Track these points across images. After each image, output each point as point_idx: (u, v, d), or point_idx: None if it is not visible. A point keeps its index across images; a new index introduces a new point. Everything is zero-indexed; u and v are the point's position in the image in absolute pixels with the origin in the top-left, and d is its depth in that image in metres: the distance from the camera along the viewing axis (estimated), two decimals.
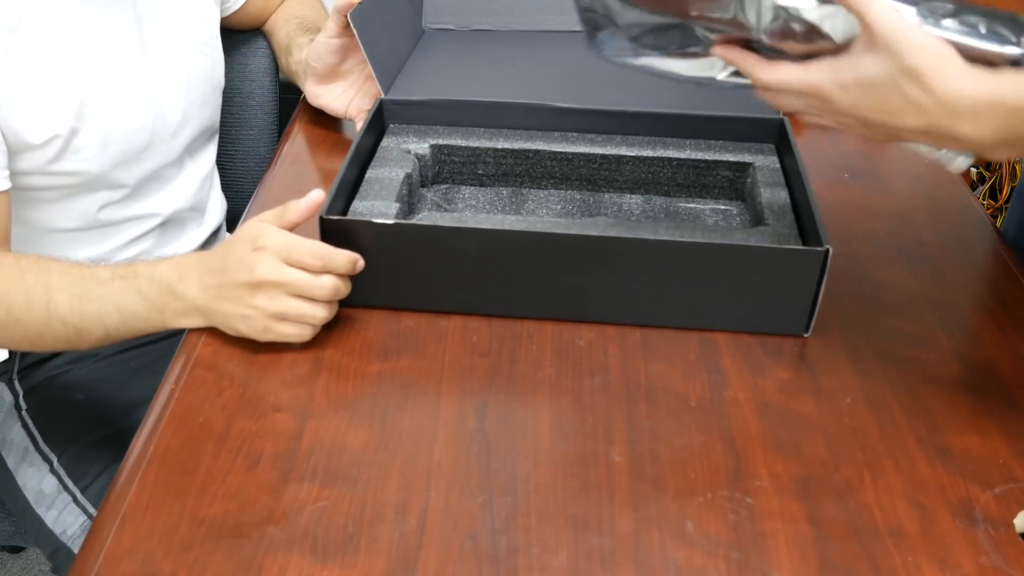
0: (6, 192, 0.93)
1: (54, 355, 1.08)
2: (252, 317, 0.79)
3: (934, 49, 0.61)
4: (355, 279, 0.81)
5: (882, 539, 0.66)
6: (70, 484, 1.00)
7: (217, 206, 1.22)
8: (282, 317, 0.79)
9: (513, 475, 0.70)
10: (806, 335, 0.83)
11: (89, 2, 0.96)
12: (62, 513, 0.99)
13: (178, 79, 1.07)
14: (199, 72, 1.11)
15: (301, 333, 0.80)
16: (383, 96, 1.02)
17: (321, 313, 0.79)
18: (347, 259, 0.79)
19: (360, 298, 0.85)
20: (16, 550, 1.60)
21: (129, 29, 1.01)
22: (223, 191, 1.26)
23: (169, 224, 1.13)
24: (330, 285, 0.78)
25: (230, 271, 0.79)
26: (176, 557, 0.64)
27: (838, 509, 0.68)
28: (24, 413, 1.05)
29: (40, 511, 1.00)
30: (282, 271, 0.77)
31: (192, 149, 1.13)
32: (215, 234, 1.22)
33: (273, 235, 0.79)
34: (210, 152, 1.18)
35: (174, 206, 1.12)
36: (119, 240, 1.08)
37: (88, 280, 0.85)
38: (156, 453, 0.71)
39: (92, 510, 0.98)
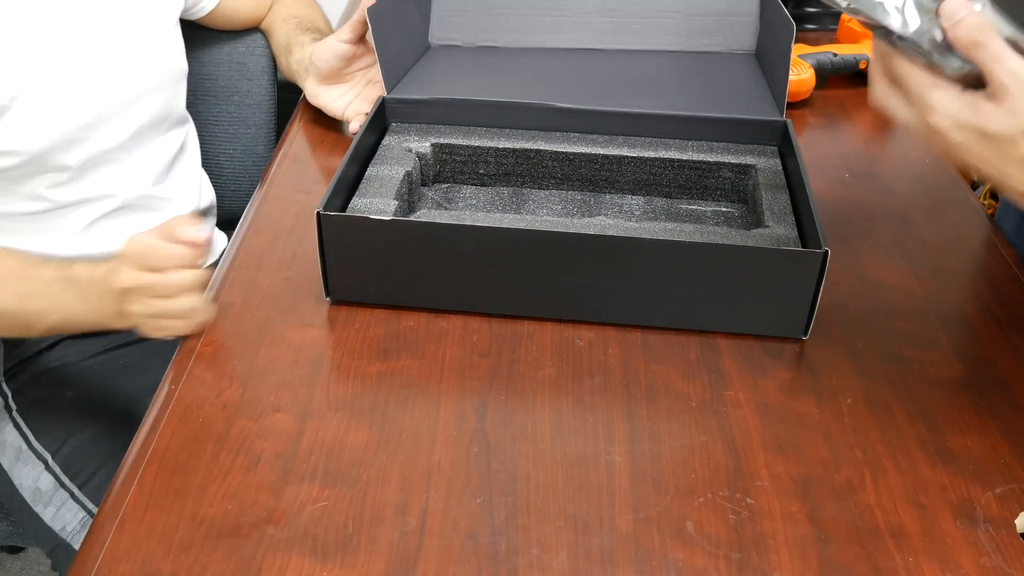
0: None
1: (40, 354, 1.08)
2: (137, 321, 0.83)
3: None
4: (353, 275, 0.81)
5: (883, 539, 0.66)
6: (67, 481, 1.00)
7: (191, 195, 1.19)
8: (158, 316, 0.83)
9: (513, 475, 0.70)
10: (804, 338, 0.83)
11: None
12: (60, 510, 0.99)
13: (125, 61, 1.05)
14: (151, 55, 1.09)
15: (185, 325, 0.83)
16: (386, 95, 1.02)
17: (187, 304, 0.82)
18: (190, 251, 0.81)
19: (358, 295, 0.85)
20: (15, 550, 1.60)
21: (73, 7, 1.00)
22: (220, 190, 1.26)
23: (130, 209, 1.11)
24: (184, 280, 0.81)
25: (105, 281, 0.84)
26: (175, 557, 0.64)
27: (839, 509, 0.68)
28: (15, 414, 1.05)
29: (38, 509, 1.00)
30: (138, 277, 0.81)
31: (144, 134, 1.11)
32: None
33: (131, 244, 0.82)
34: (172, 139, 1.16)
35: (132, 191, 1.10)
36: (75, 224, 1.07)
37: (31, 280, 0.91)
38: (155, 453, 0.71)
39: (91, 505, 0.98)
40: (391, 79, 1.05)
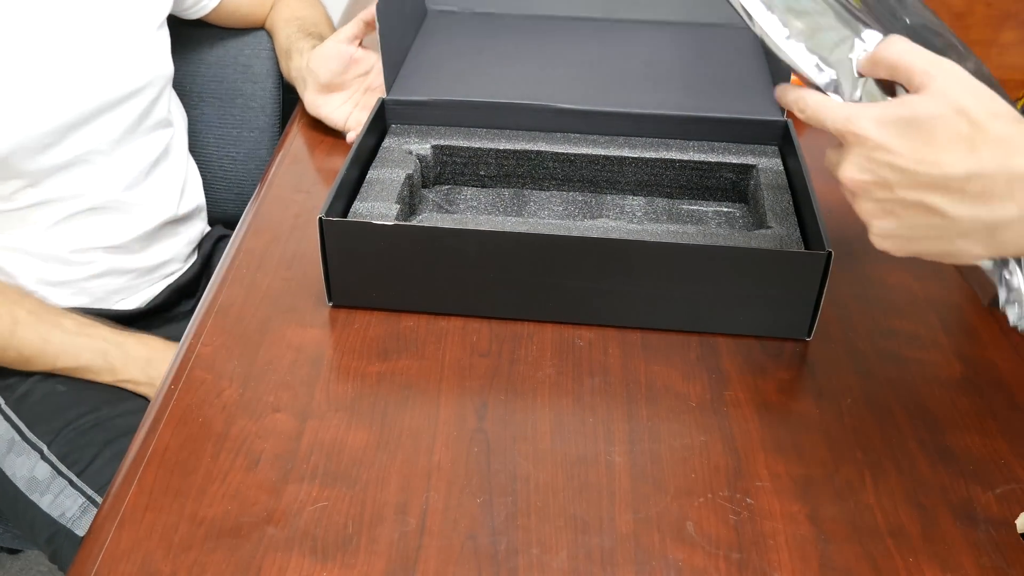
0: None
1: None
2: None
3: (985, 94, 0.58)
4: (355, 280, 0.81)
5: (883, 540, 0.66)
6: (64, 469, 1.00)
7: (170, 199, 1.19)
8: None
9: (513, 475, 0.70)
10: (808, 339, 0.83)
11: None
12: (58, 497, 0.99)
13: (98, 66, 1.05)
14: (129, 60, 1.08)
15: None
16: (385, 96, 1.02)
17: None
18: None
19: (360, 299, 0.85)
20: (15, 551, 1.60)
21: (44, 11, 0.99)
22: (224, 193, 1.26)
23: (100, 211, 1.11)
24: None
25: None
26: (175, 558, 0.64)
27: (839, 510, 0.68)
28: (4, 407, 1.05)
29: (34, 497, 1.00)
30: None
31: (120, 138, 1.10)
32: (178, 223, 1.20)
33: None
34: (152, 142, 1.15)
35: (103, 194, 1.10)
36: (40, 223, 1.07)
37: (52, 326, 0.98)
38: (155, 453, 0.71)
39: (91, 492, 0.98)
40: (391, 78, 1.05)
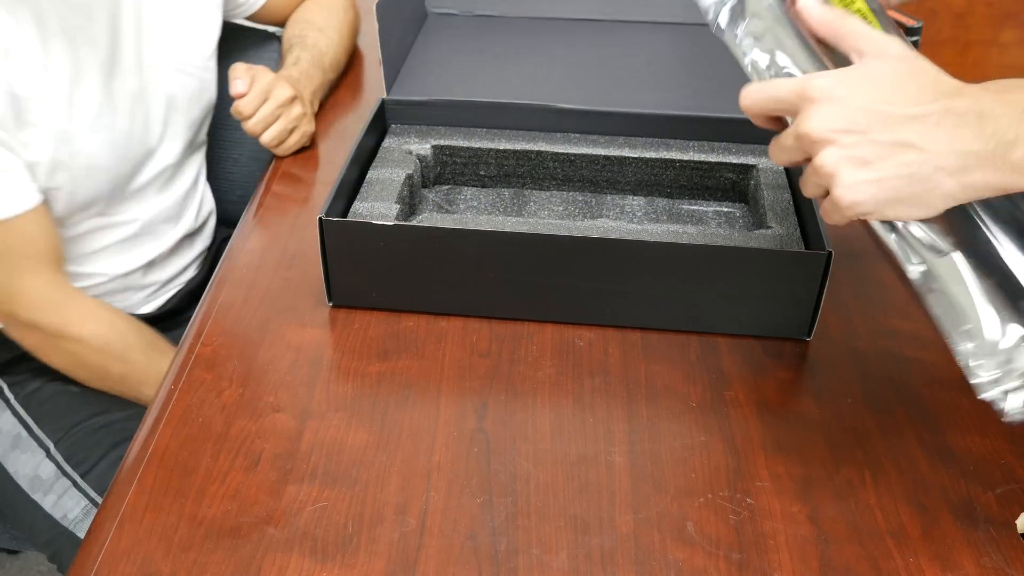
0: (40, 207, 0.95)
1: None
2: None
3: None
4: (355, 280, 0.81)
5: (883, 540, 0.66)
6: (69, 469, 1.00)
7: (197, 208, 1.20)
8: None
9: (513, 475, 0.70)
10: (808, 339, 0.83)
11: (64, 35, 0.95)
12: (61, 498, 0.99)
13: (158, 107, 1.07)
14: (185, 96, 1.10)
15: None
16: (385, 96, 1.02)
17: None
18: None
19: (360, 299, 0.85)
20: (15, 551, 1.60)
21: (102, 62, 1.00)
22: (226, 195, 1.27)
23: (145, 227, 1.12)
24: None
25: None
26: (175, 558, 0.64)
27: (839, 510, 0.68)
28: (13, 402, 1.04)
29: (36, 496, 1.00)
30: None
31: (174, 165, 1.13)
32: (195, 234, 1.22)
33: None
34: (195, 163, 1.18)
35: (153, 215, 1.12)
36: (91, 247, 1.08)
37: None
38: (155, 453, 0.71)
39: (94, 495, 0.98)
40: (391, 77, 1.05)
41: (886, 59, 0.59)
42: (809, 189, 0.62)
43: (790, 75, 0.63)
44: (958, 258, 0.60)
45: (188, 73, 1.10)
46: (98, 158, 1.00)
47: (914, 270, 0.61)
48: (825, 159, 0.59)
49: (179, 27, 1.08)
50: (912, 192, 0.58)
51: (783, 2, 0.65)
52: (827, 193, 0.61)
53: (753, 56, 0.66)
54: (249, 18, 1.26)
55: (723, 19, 0.67)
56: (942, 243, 0.61)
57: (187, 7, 1.09)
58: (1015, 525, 0.67)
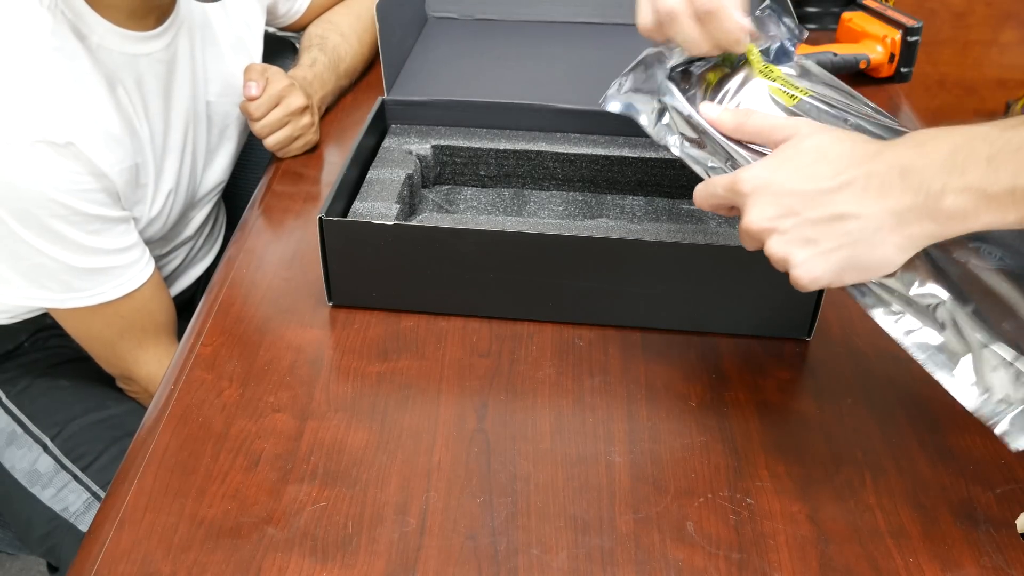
0: (155, 274, 0.98)
1: (20, 347, 1.08)
2: None
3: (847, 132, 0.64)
4: (355, 280, 0.81)
5: (883, 540, 0.66)
6: (68, 463, 1.00)
7: (208, 225, 1.22)
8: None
9: (513, 475, 0.70)
10: (808, 339, 0.83)
11: (162, 98, 0.99)
12: (61, 491, 0.99)
13: (227, 139, 1.10)
14: (239, 125, 1.12)
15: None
16: (385, 96, 1.02)
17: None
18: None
19: (360, 299, 0.85)
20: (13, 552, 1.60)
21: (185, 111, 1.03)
22: (236, 201, 1.27)
23: (189, 262, 1.16)
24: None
25: None
26: (175, 558, 0.64)
27: (839, 510, 0.68)
28: (5, 400, 1.04)
29: (35, 490, 1.00)
30: None
31: (216, 188, 1.15)
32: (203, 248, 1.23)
33: None
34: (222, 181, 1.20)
35: (192, 238, 1.15)
36: None
37: None
38: (155, 453, 0.71)
39: (95, 488, 0.98)
40: (391, 78, 1.05)
41: (799, 139, 0.63)
42: (777, 268, 0.64)
43: (723, 172, 0.68)
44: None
45: (234, 104, 1.11)
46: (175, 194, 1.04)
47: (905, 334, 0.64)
48: (773, 247, 0.62)
49: (235, 66, 1.09)
50: (862, 256, 0.60)
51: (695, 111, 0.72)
52: None
53: (691, 159, 0.72)
54: (289, 28, 1.26)
55: (659, 135, 0.75)
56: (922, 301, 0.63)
57: (239, 46, 1.10)
58: (1015, 525, 0.67)
